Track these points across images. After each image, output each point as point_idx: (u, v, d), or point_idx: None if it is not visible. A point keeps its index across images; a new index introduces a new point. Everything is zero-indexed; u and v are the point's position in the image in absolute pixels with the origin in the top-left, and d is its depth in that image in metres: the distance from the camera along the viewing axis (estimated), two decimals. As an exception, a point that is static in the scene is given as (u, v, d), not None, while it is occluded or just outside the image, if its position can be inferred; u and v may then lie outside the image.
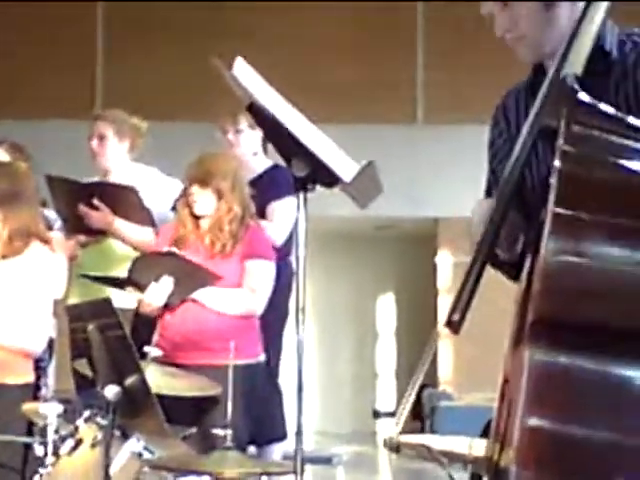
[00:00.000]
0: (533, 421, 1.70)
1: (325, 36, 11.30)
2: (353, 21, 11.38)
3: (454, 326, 1.98)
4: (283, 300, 5.06)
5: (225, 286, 4.39)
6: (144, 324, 4.51)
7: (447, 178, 11.09)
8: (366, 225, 12.33)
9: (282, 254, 5.02)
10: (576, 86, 1.97)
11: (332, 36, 11.30)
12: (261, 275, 4.49)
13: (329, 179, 2.44)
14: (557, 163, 1.75)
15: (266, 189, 5.08)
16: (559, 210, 1.71)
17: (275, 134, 2.47)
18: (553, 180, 1.74)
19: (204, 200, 4.48)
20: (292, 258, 5.03)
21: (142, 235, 4.95)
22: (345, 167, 2.41)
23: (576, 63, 2.02)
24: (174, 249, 4.42)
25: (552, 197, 1.73)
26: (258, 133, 5.28)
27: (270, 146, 4.82)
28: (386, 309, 14.32)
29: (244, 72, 2.40)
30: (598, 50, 2.19)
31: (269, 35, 11.09)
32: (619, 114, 2.01)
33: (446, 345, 11.19)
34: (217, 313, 4.40)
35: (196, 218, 4.53)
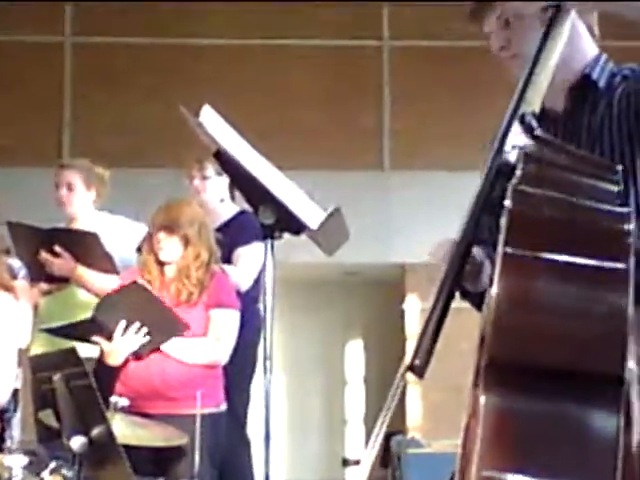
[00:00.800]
0: (487, 472, 1.65)
1: (292, 83, 11.35)
2: (320, 68, 11.44)
3: (418, 370, 1.96)
4: (251, 348, 5.03)
5: (190, 335, 4.36)
6: (106, 372, 4.46)
7: (414, 224, 11.12)
8: (334, 271, 12.32)
9: (250, 301, 5.01)
10: (534, 124, 1.98)
11: (299, 83, 11.35)
12: (226, 324, 4.47)
13: (296, 226, 2.44)
14: (508, 203, 1.74)
15: (233, 235, 5.08)
16: (509, 250, 1.70)
17: (242, 181, 2.47)
18: (504, 220, 1.72)
19: (170, 247, 4.46)
20: (260, 305, 5.01)
21: (105, 282, 4.92)
22: (311, 214, 2.41)
23: (534, 99, 2.03)
24: (140, 281, 4.38)
25: (502, 237, 1.70)
26: (225, 179, 5.28)
27: (238, 192, 4.81)
28: (354, 356, 14.28)
29: (211, 119, 2.40)
30: (585, 79, 2.23)
31: (237, 81, 11.12)
32: (576, 151, 2.03)
33: (414, 391, 11.16)
34: (181, 362, 4.36)
35: (161, 265, 4.50)
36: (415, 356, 1.97)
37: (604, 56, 2.30)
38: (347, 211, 2.58)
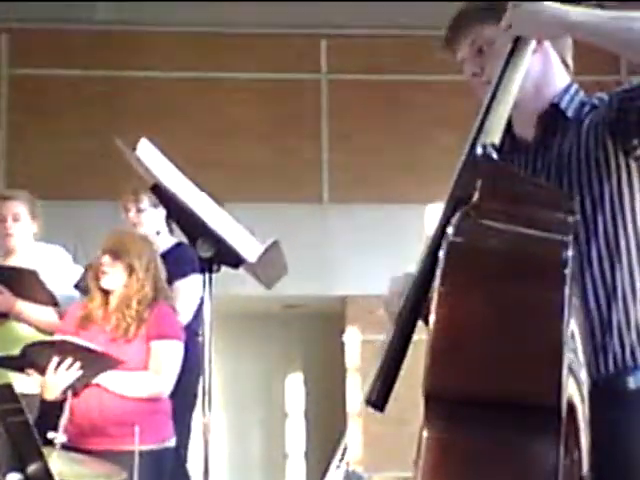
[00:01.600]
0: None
1: (231, 116, 11.34)
2: (259, 101, 11.46)
3: (377, 403, 1.92)
4: (191, 381, 4.99)
5: (129, 369, 4.31)
6: (52, 409, 4.41)
7: (354, 256, 11.15)
8: (274, 304, 12.30)
9: (190, 334, 4.97)
10: (493, 155, 1.99)
11: (238, 116, 11.36)
12: (167, 356, 4.43)
13: (234, 259, 2.43)
14: (449, 232, 1.74)
15: (170, 268, 5.05)
16: (446, 281, 1.68)
17: (180, 215, 2.46)
18: (443, 250, 1.72)
19: (114, 273, 4.42)
20: (200, 338, 4.98)
21: (45, 316, 4.88)
22: (250, 247, 2.40)
23: (493, 131, 2.03)
24: (69, 338, 4.32)
25: (440, 268, 1.70)
26: (161, 211, 5.26)
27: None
28: (295, 389, 14.23)
29: (148, 153, 2.39)
30: (554, 108, 2.25)
31: (174, 114, 11.10)
32: (535, 181, 2.03)
33: (355, 424, 11.14)
34: (121, 397, 4.31)
35: (105, 293, 4.46)
36: (373, 389, 1.93)
37: (575, 86, 2.32)
38: (287, 243, 2.58)
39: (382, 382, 1.92)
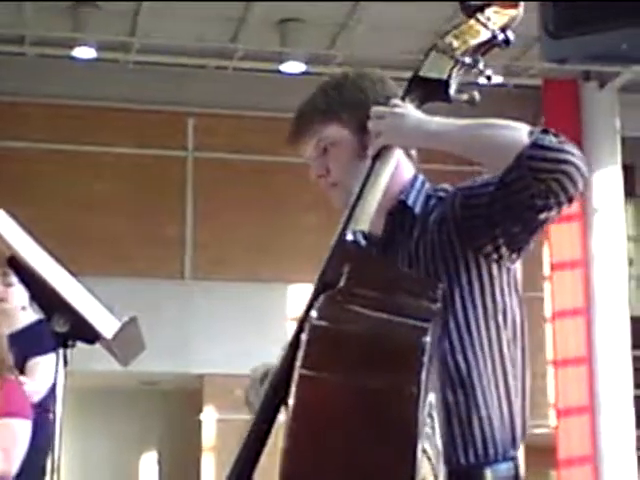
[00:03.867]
0: None
1: (96, 190, 11.25)
2: (124, 176, 11.41)
3: None
4: (40, 459, 4.86)
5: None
6: None
7: (214, 334, 11.09)
8: (130, 381, 12.09)
9: (42, 410, 4.86)
10: (362, 242, 2.00)
11: (103, 190, 11.27)
12: (15, 434, 4.31)
13: (90, 335, 2.39)
14: (312, 316, 1.73)
15: (28, 344, 4.95)
16: (305, 366, 1.68)
17: (36, 289, 2.42)
18: (304, 336, 1.71)
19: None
20: (51, 415, 4.86)
21: None
22: (106, 323, 2.37)
23: (362, 219, 2.04)
24: None
25: (300, 353, 1.69)
26: (29, 287, 5.15)
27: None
28: (149, 468, 13.96)
29: (5, 224, 2.35)
30: (402, 205, 2.25)
31: (37, 185, 10.96)
32: (399, 269, 2.05)
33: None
34: (-35, 475, 4.17)
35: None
36: (232, 474, 1.91)
37: (420, 178, 2.31)
38: (147, 320, 2.55)
39: (241, 467, 1.91)
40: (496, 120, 2.10)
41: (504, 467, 2.17)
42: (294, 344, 1.86)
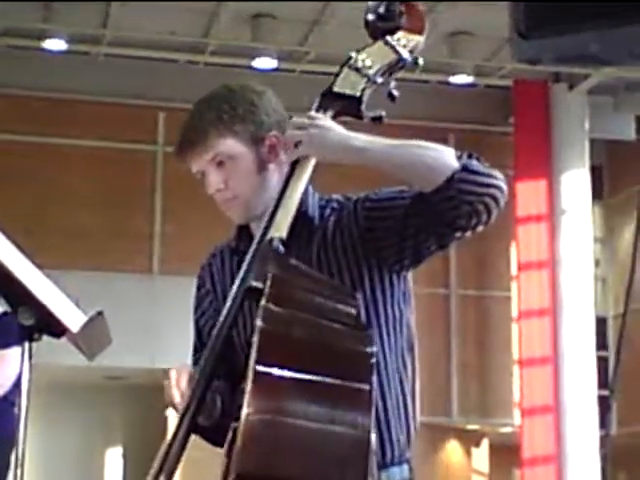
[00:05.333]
0: None
1: (64, 182, 11.21)
2: (94, 170, 11.36)
3: None
4: (5, 454, 4.83)
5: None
6: None
7: (180, 329, 11.03)
8: (95, 375, 12.05)
9: (6, 405, 4.83)
10: (281, 248, 2.02)
11: (72, 183, 11.23)
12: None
13: (56, 328, 2.38)
14: (259, 322, 1.77)
15: (-8, 336, 4.91)
16: (259, 368, 1.72)
17: (1, 280, 2.40)
18: (255, 338, 1.75)
19: None
20: (16, 409, 4.83)
21: None
22: (72, 317, 2.36)
23: (282, 226, 2.06)
24: None
25: (253, 355, 1.73)
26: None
27: None
28: (114, 462, 13.92)
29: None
30: (302, 216, 2.22)
31: (8, 178, 10.90)
32: (319, 275, 2.08)
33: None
34: None
35: None
36: (157, 476, 1.94)
37: (310, 189, 2.28)
38: (113, 314, 2.54)
39: (164, 468, 1.94)
40: (424, 142, 2.13)
41: (397, 470, 2.20)
42: (212, 362, 1.98)
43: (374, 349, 1.79)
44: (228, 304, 2.02)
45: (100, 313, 2.39)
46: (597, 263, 12.42)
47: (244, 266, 2.03)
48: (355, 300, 1.96)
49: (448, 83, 11.29)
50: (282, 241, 2.03)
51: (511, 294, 11.67)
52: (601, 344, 11.60)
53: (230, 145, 2.27)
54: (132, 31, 10.60)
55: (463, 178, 2.05)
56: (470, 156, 2.10)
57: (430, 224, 2.10)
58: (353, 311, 1.90)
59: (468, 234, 2.13)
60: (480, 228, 2.12)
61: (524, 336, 11.31)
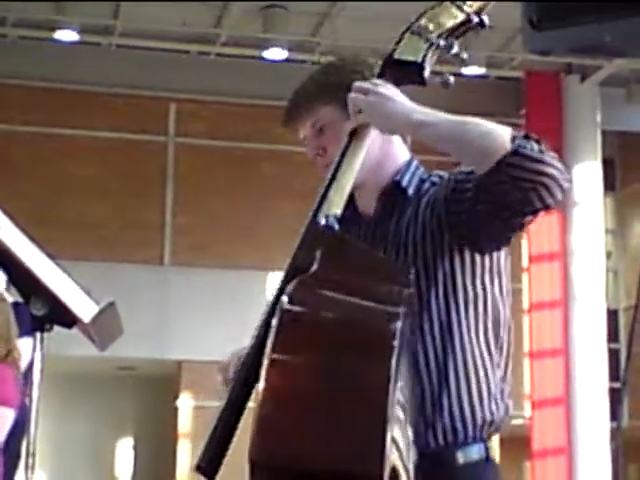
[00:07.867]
0: None
1: (75, 173, 11.22)
2: (105, 160, 11.37)
3: (207, 471, 1.88)
4: (15, 443, 4.84)
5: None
6: None
7: (191, 320, 11.08)
8: (106, 366, 12.08)
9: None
10: (335, 226, 1.99)
11: (83, 174, 11.24)
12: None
13: (68, 319, 2.38)
14: (283, 301, 1.72)
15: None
16: (276, 349, 1.66)
17: (13, 270, 2.40)
18: (275, 320, 1.69)
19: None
20: (27, 399, 4.84)
21: None
22: (84, 307, 2.36)
23: (335, 203, 2.03)
24: None
25: (272, 336, 1.67)
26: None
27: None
28: (125, 453, 13.96)
29: (-19, 206, 2.33)
30: (396, 186, 2.26)
31: (19, 167, 10.92)
32: (376, 254, 2.05)
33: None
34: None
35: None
36: (204, 456, 1.89)
37: (415, 162, 2.32)
38: (124, 305, 2.54)
39: (214, 449, 1.89)
40: (481, 120, 2.09)
41: (475, 449, 2.19)
42: (264, 329, 1.86)
43: (398, 326, 1.71)
44: (281, 277, 1.96)
45: (112, 303, 2.39)
46: (608, 255, 12.39)
47: (296, 243, 1.97)
48: (409, 279, 1.88)
49: (459, 74, 11.27)
50: (336, 217, 2.01)
51: (522, 286, 11.65)
52: (612, 336, 11.57)
53: (330, 112, 2.31)
54: (143, 22, 10.59)
55: (512, 162, 2.00)
56: (526, 137, 2.03)
57: (491, 207, 2.07)
58: (403, 290, 1.81)
59: (529, 220, 2.10)
60: (538, 215, 2.09)
61: (535, 328, 11.29)
